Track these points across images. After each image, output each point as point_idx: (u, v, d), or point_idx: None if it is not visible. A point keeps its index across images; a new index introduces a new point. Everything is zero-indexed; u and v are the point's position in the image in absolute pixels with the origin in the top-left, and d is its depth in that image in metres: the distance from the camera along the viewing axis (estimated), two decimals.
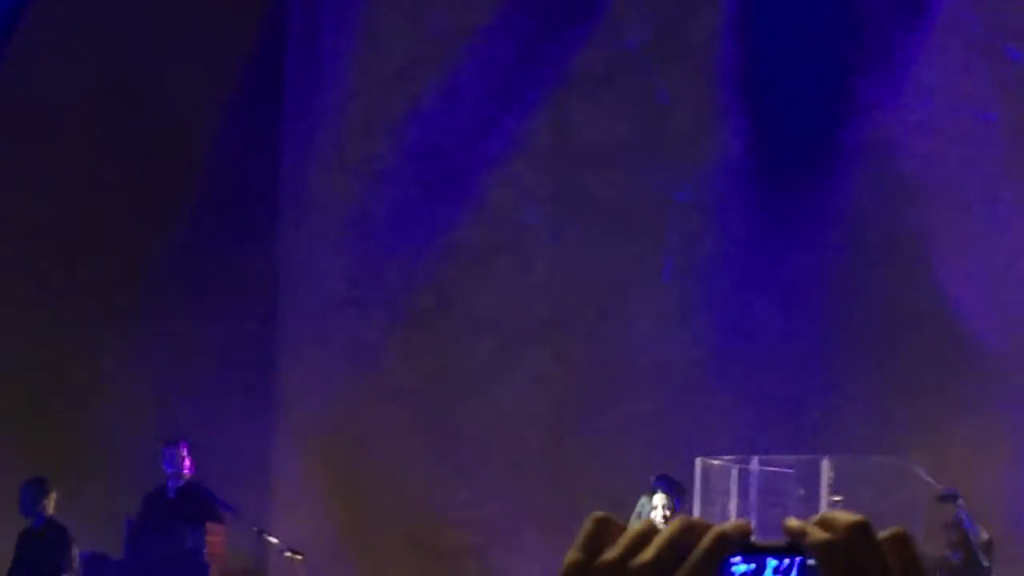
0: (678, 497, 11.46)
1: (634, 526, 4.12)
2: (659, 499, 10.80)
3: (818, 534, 1.28)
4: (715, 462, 14.75)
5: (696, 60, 15.38)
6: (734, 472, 14.72)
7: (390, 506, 14.54)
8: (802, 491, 14.69)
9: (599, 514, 1.34)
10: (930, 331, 14.60)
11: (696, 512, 14.38)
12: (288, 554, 12.94)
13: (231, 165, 15.43)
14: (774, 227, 14.89)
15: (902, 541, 1.29)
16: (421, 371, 15.00)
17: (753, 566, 1.32)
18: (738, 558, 1.32)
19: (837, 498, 14.15)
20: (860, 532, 1.27)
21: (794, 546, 1.30)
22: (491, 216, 15.15)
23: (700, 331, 14.90)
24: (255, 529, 13.09)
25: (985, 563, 12.09)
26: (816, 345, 14.71)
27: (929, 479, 12.70)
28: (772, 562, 1.32)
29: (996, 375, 14.23)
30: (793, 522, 1.30)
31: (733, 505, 14.64)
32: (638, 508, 11.06)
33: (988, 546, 12.30)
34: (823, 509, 13.62)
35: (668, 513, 10.67)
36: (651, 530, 1.32)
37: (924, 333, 14.63)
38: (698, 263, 15.20)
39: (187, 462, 12.76)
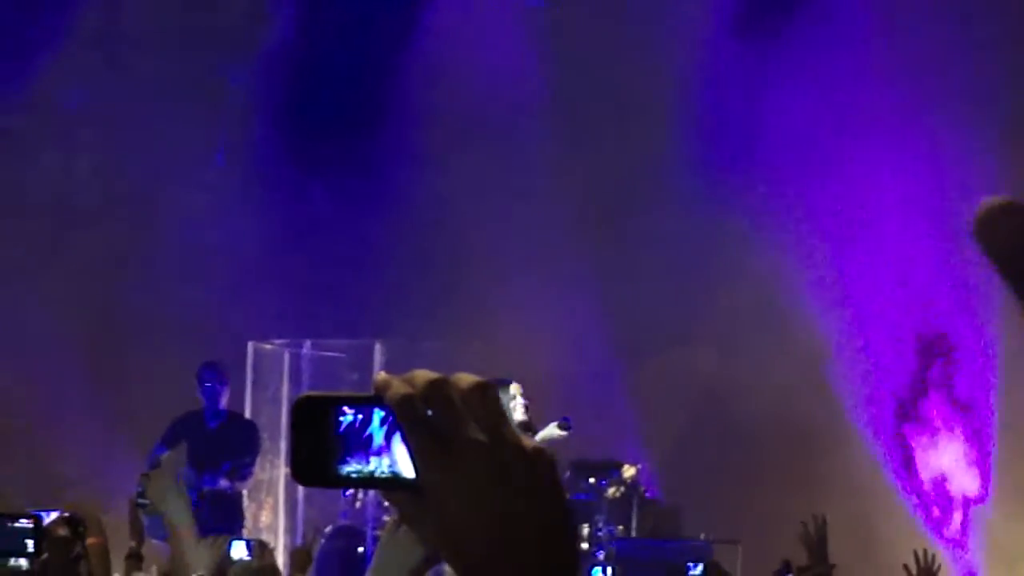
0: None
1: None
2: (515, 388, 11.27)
3: (398, 388, 1.29)
4: (267, 346, 14.80)
5: None
6: (286, 356, 14.82)
7: None
8: (355, 375, 14.89)
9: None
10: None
11: (248, 397, 14.45)
12: None
13: None
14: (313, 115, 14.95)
15: (481, 391, 1.30)
16: None
17: (361, 416, 1.33)
18: (347, 408, 1.34)
19: None
20: (436, 387, 1.29)
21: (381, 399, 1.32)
22: (37, 101, 14.73)
23: (255, 216, 14.86)
24: None
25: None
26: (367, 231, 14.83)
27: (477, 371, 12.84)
28: (379, 413, 1.33)
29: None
30: (381, 376, 1.31)
31: (285, 389, 14.73)
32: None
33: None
34: None
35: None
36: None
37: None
38: (256, 150, 15.16)
39: None
